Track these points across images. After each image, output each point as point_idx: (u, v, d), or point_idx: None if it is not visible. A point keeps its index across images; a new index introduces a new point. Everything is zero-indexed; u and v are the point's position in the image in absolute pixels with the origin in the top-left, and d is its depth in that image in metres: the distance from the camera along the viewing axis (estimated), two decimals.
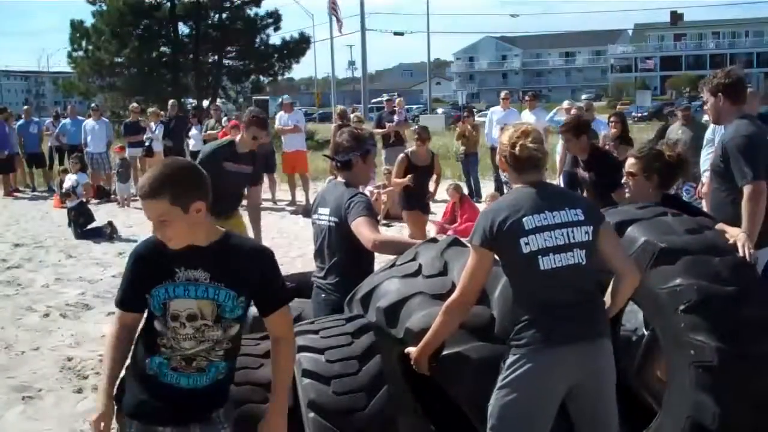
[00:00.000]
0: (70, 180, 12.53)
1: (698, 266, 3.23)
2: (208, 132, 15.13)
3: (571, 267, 2.86)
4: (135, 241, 10.83)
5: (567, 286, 2.87)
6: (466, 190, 14.23)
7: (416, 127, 9.83)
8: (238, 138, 6.11)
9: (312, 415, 2.93)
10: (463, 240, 3.80)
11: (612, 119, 9.50)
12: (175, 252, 2.53)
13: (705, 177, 7.31)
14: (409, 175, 8.26)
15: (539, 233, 2.84)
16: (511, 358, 2.87)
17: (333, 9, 36.58)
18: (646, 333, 3.86)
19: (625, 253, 3.10)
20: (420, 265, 3.42)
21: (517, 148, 2.98)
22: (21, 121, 17.48)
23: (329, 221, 4.16)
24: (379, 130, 14.08)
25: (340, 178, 4.30)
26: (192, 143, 15.90)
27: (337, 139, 4.34)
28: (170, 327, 2.53)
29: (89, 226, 11.37)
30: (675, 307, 3.18)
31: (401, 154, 8.78)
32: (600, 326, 2.93)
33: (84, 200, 12.11)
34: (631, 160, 4.05)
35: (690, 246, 3.30)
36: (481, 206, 11.09)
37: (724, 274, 3.22)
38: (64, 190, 12.75)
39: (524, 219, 2.85)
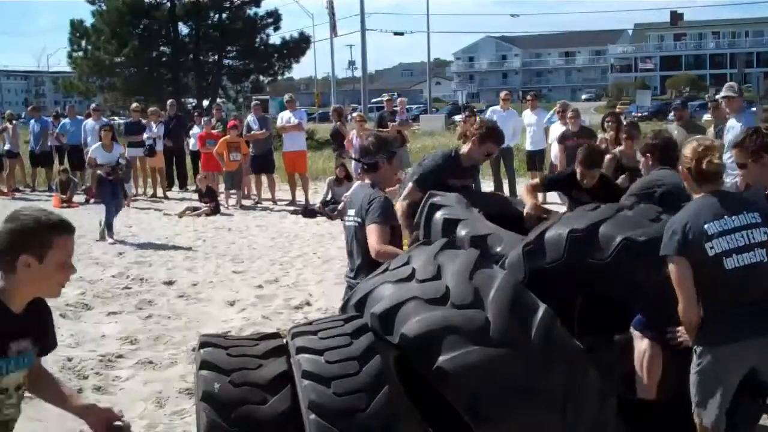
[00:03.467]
0: (108, 156, 11.07)
1: None
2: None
3: (753, 266, 3.18)
4: (134, 241, 10.85)
5: (752, 284, 3.19)
6: None
7: (625, 123, 8.54)
8: (464, 149, 5.26)
9: (312, 416, 2.92)
10: None
11: (609, 120, 9.42)
12: (9, 322, 2.39)
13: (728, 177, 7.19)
14: (623, 176, 6.97)
15: (722, 237, 3.18)
16: (700, 348, 3.25)
17: (330, 9, 36.58)
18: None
19: None
20: (413, 269, 3.41)
21: (704, 163, 3.32)
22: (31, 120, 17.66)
23: (355, 221, 4.30)
24: (381, 130, 14.10)
25: (367, 180, 4.48)
26: (192, 143, 15.92)
27: (363, 142, 4.44)
28: None
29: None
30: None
31: (608, 155, 7.34)
32: None
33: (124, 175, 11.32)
34: (734, 152, 4.04)
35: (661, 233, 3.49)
36: None
37: None
38: (109, 165, 10.94)
39: (706, 225, 3.20)
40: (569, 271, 3.73)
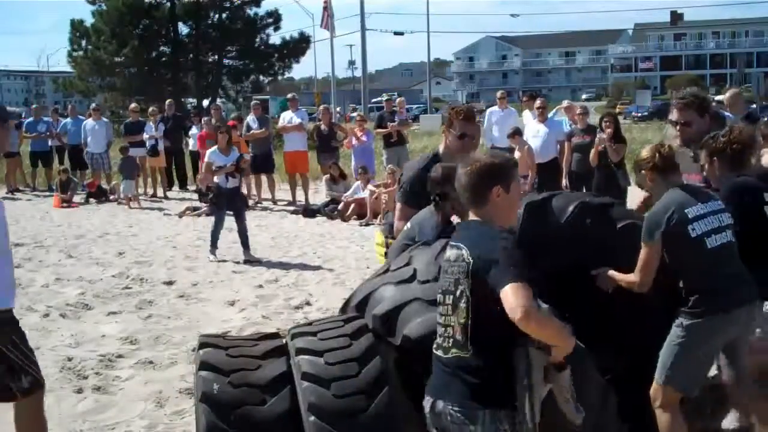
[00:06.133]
0: (226, 159, 9.65)
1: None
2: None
3: (728, 244, 3.58)
4: (134, 241, 10.84)
5: (729, 260, 3.59)
6: None
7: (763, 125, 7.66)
8: (441, 147, 4.84)
9: (312, 418, 2.92)
10: None
11: (606, 120, 9.58)
12: None
13: None
14: None
15: (700, 220, 3.56)
16: (689, 322, 3.53)
17: (325, 10, 36.43)
18: None
19: None
20: (415, 271, 3.40)
21: (664, 151, 3.75)
22: (30, 119, 17.56)
23: None
24: (381, 130, 14.09)
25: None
26: (192, 143, 15.90)
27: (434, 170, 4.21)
28: None
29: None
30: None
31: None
32: (757, 290, 3.61)
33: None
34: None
35: None
36: None
37: None
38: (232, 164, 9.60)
39: (686, 210, 3.58)
40: (567, 238, 3.81)
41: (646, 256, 3.59)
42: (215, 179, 9.63)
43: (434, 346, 2.76)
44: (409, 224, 4.20)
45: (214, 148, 9.94)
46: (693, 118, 4.53)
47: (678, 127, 4.61)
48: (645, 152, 3.81)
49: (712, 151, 3.99)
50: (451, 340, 2.66)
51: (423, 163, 4.75)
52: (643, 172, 3.80)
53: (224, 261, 9.36)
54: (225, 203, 9.59)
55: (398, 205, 4.83)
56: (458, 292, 2.64)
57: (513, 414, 2.59)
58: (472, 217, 2.79)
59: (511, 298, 2.49)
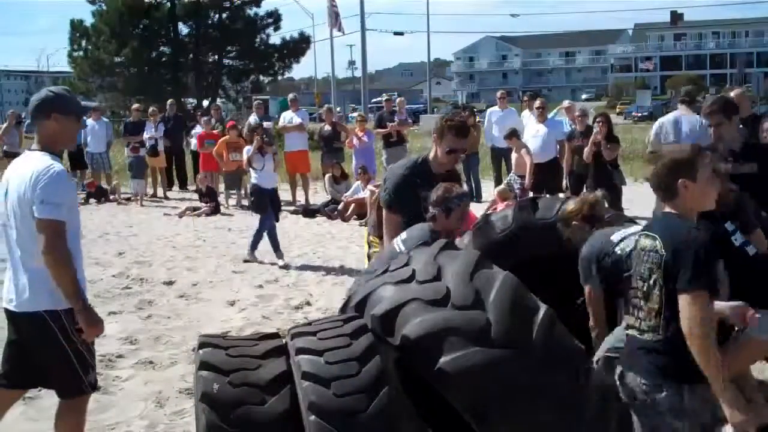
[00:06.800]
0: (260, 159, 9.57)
1: None
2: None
3: None
4: (134, 241, 10.84)
5: None
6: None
7: None
8: (431, 155, 4.69)
9: (312, 417, 2.91)
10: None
11: (598, 119, 9.69)
12: None
13: None
14: None
15: (626, 240, 3.77)
16: None
17: (333, 11, 36.34)
18: None
19: None
20: (413, 271, 3.39)
21: (590, 200, 4.11)
22: (29, 120, 17.55)
23: None
24: (381, 130, 14.10)
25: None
26: (193, 143, 15.91)
27: (432, 192, 4.26)
28: None
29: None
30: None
31: None
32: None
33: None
34: None
35: None
36: (482, 206, 11.06)
37: None
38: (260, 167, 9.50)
39: (611, 238, 3.85)
40: (548, 230, 4.31)
41: (590, 295, 3.93)
42: (252, 180, 9.62)
43: (624, 325, 3.11)
44: (401, 245, 4.11)
45: (250, 146, 9.90)
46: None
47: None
48: (571, 205, 4.12)
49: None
50: (643, 323, 2.95)
51: (408, 168, 4.70)
52: (574, 223, 4.08)
53: (224, 261, 9.37)
54: (269, 203, 9.40)
55: (384, 211, 4.77)
56: (652, 281, 2.89)
57: (693, 387, 2.84)
58: (667, 209, 3.00)
59: (685, 309, 2.76)
